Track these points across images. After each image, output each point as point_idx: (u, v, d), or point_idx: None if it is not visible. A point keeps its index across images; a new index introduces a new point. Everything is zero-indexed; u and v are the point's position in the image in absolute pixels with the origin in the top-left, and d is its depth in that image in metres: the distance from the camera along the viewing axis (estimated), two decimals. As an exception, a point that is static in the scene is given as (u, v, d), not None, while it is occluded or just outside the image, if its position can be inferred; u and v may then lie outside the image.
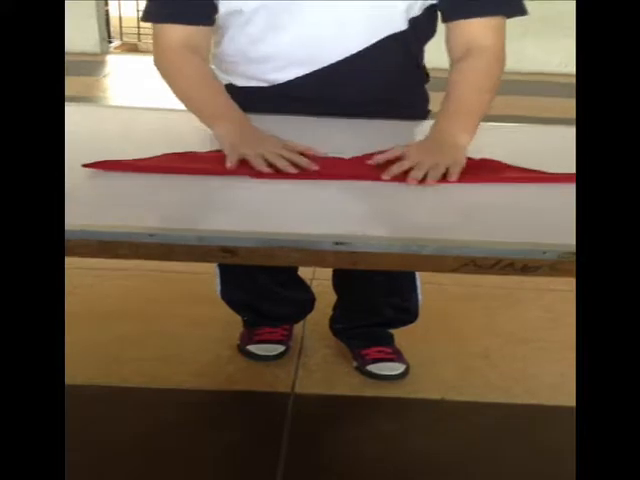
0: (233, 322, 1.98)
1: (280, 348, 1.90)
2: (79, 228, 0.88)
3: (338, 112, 1.39)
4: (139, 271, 2.27)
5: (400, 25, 1.33)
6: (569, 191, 1.10)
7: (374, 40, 1.33)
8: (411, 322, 1.85)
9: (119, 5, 6.38)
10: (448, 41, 1.33)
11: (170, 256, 0.93)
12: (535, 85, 5.38)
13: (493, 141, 1.31)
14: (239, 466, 1.55)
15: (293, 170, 1.10)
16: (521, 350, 1.99)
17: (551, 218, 1.01)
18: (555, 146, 1.35)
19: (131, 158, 1.10)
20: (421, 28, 1.37)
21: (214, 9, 1.33)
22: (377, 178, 1.10)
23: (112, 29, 6.30)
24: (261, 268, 1.61)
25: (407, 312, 1.83)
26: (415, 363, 1.90)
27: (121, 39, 6.49)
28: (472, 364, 1.92)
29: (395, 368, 1.85)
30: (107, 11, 6.18)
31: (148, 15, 1.35)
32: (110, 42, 6.20)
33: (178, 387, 1.78)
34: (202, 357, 1.90)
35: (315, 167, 1.11)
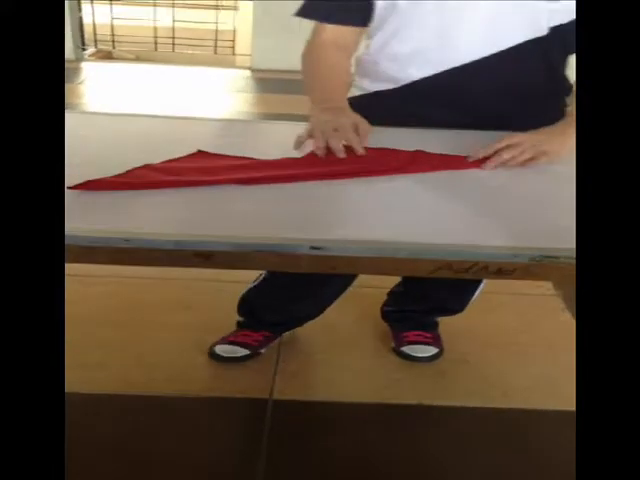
0: (210, 328, 1.98)
1: (241, 352, 1.89)
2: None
3: (463, 114, 1.38)
4: (117, 277, 2.25)
5: (541, 30, 1.30)
6: (546, 194, 1.13)
7: (512, 43, 1.31)
8: (457, 313, 1.91)
9: (92, 12, 6.33)
10: None
11: (146, 261, 0.93)
12: None
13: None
14: (218, 473, 1.54)
15: (343, 155, 1.18)
16: (497, 354, 2.00)
17: (526, 221, 1.02)
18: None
19: (110, 164, 1.09)
20: (565, 37, 1.32)
21: (371, 11, 1.36)
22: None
23: (86, 36, 6.25)
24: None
25: (460, 304, 1.88)
26: (392, 368, 1.90)
27: (95, 46, 6.44)
28: (449, 368, 1.93)
29: (427, 351, 1.94)
30: (80, 18, 6.13)
31: (308, 11, 1.40)
32: (84, 49, 6.16)
33: (156, 394, 1.77)
34: (179, 363, 1.88)
35: (362, 151, 1.19)
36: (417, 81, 1.38)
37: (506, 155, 1.20)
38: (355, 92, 1.50)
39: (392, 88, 1.41)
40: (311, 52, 1.43)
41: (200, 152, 1.20)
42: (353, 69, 1.47)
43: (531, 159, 1.22)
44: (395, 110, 1.40)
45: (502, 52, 1.31)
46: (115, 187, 1.03)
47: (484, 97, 1.37)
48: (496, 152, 1.21)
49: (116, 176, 1.06)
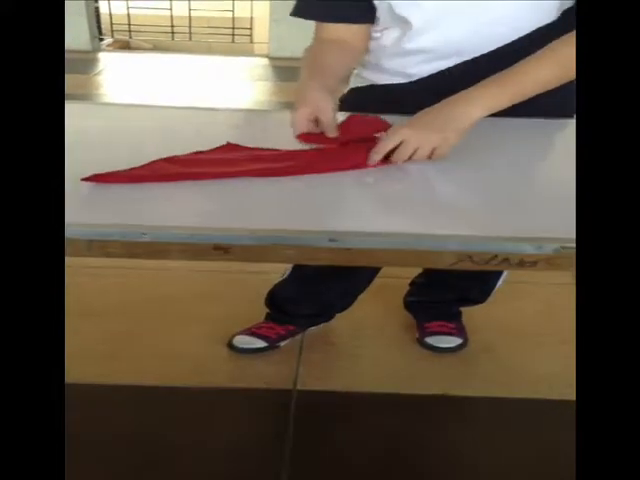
0: (232, 319, 1.98)
1: (259, 344, 1.89)
2: (69, 226, 0.86)
3: None
4: (133, 268, 2.25)
5: (552, 15, 1.26)
6: (566, 183, 1.10)
7: (522, 33, 1.27)
8: (480, 303, 1.90)
9: (109, 2, 6.33)
10: None
11: (163, 255, 0.92)
12: None
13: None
14: (243, 464, 1.54)
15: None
16: (522, 344, 1.98)
17: (547, 211, 0.99)
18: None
19: (126, 155, 1.08)
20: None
21: (371, 9, 1.34)
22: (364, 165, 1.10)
23: (103, 26, 6.26)
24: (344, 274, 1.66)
25: (482, 295, 1.87)
26: (416, 358, 1.89)
27: (112, 36, 6.45)
28: (473, 358, 1.92)
29: (451, 341, 1.93)
30: (97, 8, 6.13)
31: (302, 11, 1.38)
32: (101, 40, 6.17)
33: (179, 385, 1.77)
34: (202, 354, 1.89)
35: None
36: (430, 76, 1.35)
37: (395, 158, 1.10)
38: (359, 83, 1.47)
39: (404, 82, 1.39)
40: (309, 49, 1.39)
41: (229, 144, 1.18)
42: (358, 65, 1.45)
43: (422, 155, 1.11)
44: (407, 104, 1.38)
45: (515, 42, 1.28)
46: (130, 180, 1.02)
47: None
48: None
49: (133, 169, 1.05)
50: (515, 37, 1.28)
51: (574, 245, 0.87)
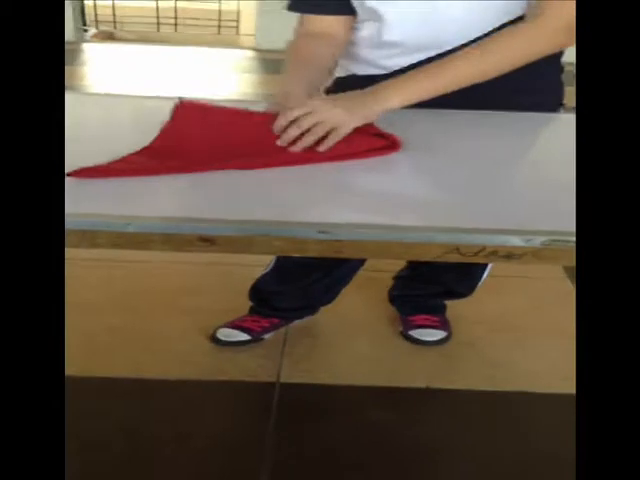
0: (217, 311, 1.97)
1: (242, 336, 1.89)
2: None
3: (451, 96, 1.28)
4: (123, 262, 2.24)
5: (521, 8, 1.27)
6: (554, 177, 1.11)
7: (495, 25, 1.27)
8: (466, 297, 1.90)
9: (94, -7, 6.29)
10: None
11: (147, 245, 0.90)
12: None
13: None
14: (226, 456, 1.54)
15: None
16: (506, 338, 1.99)
17: (535, 204, 0.99)
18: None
19: (110, 145, 1.06)
20: None
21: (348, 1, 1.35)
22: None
23: (87, 17, 6.21)
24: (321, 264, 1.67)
25: (467, 288, 1.87)
26: (400, 352, 1.89)
27: (97, 27, 6.40)
28: (457, 352, 1.92)
29: (435, 334, 1.94)
30: (82, -1, 6.09)
31: (291, 6, 1.40)
32: (86, 30, 6.12)
33: (163, 377, 1.76)
34: (186, 347, 1.88)
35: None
36: (406, 67, 1.34)
37: (291, 133, 1.06)
38: (342, 73, 1.48)
39: (384, 73, 1.38)
40: (293, 43, 1.40)
41: (182, 103, 1.18)
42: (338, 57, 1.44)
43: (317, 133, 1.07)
44: None
45: (485, 35, 1.26)
46: (111, 174, 1.00)
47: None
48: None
49: (113, 162, 1.03)
50: (486, 30, 1.27)
51: (563, 238, 0.87)
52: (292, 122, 1.07)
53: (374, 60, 1.40)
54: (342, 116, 1.08)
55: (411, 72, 1.17)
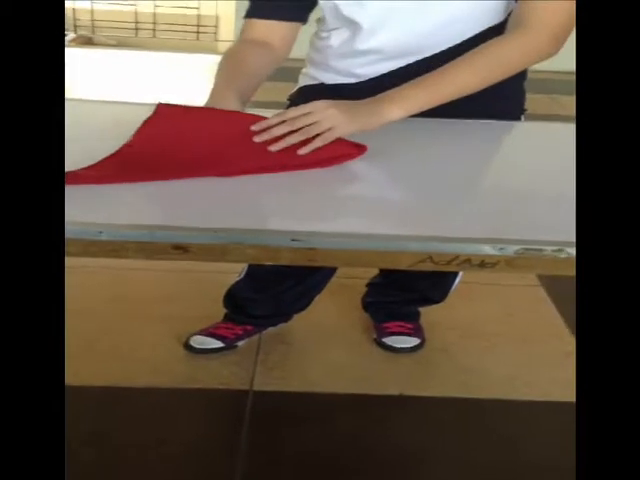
0: (191, 319, 1.96)
1: (215, 344, 1.88)
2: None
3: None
4: (91, 267, 2.22)
5: (500, 16, 1.27)
6: (525, 184, 1.12)
7: (474, 32, 1.28)
8: (438, 303, 1.90)
9: (72, -3, 6.24)
10: (509, 20, 1.25)
11: (121, 254, 0.90)
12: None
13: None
14: (199, 463, 1.53)
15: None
16: (479, 345, 2.00)
17: (508, 213, 1.00)
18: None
19: (86, 152, 1.05)
20: None
21: (307, 7, 1.34)
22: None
23: (66, 22, 6.16)
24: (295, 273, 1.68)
25: (440, 294, 1.87)
26: (374, 359, 1.90)
27: (75, 32, 6.36)
28: (430, 359, 1.93)
29: (409, 342, 1.94)
30: (60, 2, 6.04)
31: (248, 13, 1.36)
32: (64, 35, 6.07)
33: (135, 385, 1.75)
34: (157, 355, 1.87)
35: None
36: (381, 76, 1.35)
37: (277, 131, 1.05)
38: (308, 81, 1.47)
39: (354, 82, 1.38)
40: (231, 49, 1.35)
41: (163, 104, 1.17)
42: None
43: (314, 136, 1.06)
44: None
45: (464, 42, 1.28)
46: (82, 181, 0.99)
47: None
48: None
49: (85, 168, 1.02)
50: (465, 37, 1.29)
51: (536, 247, 0.88)
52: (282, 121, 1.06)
53: (346, 69, 1.38)
54: (341, 119, 1.06)
55: (409, 84, 1.15)
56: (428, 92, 1.14)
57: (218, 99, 1.20)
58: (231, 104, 1.18)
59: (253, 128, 1.07)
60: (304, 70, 1.48)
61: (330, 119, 1.06)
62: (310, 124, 1.05)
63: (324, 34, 1.40)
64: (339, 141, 1.09)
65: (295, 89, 1.50)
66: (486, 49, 1.19)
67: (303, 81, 1.48)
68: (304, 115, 1.06)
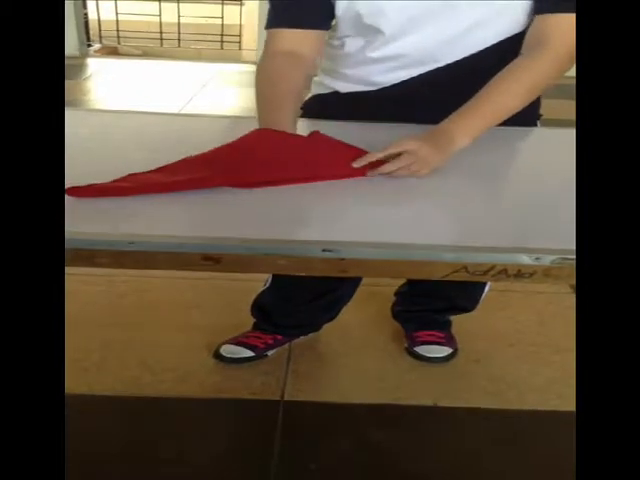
0: (218, 329, 1.95)
1: (246, 353, 1.87)
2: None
3: (445, 113, 1.25)
4: (118, 276, 2.22)
5: (519, 26, 1.27)
6: (556, 194, 1.09)
7: (494, 41, 1.28)
8: (469, 311, 1.88)
9: (97, 8, 6.30)
10: (527, 35, 1.26)
11: (151, 264, 0.89)
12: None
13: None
14: (229, 474, 1.52)
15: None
16: (513, 354, 1.97)
17: (544, 222, 0.98)
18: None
19: (111, 164, 1.05)
20: None
21: (330, 13, 1.31)
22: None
23: (91, 32, 6.23)
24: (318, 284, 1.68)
25: (470, 301, 1.85)
26: (406, 368, 1.87)
27: (100, 42, 6.43)
28: (463, 368, 1.90)
29: (441, 351, 1.91)
30: (86, 14, 6.10)
31: (269, 24, 1.33)
32: (90, 45, 6.13)
33: (165, 395, 1.74)
34: (187, 364, 1.86)
35: None
36: (400, 83, 1.34)
37: (390, 167, 1.09)
38: (322, 90, 1.45)
39: (369, 90, 1.37)
40: (264, 63, 1.32)
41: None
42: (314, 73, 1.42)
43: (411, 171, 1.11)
44: (374, 112, 1.36)
45: (482, 51, 1.28)
46: (110, 194, 0.98)
47: (466, 95, 1.26)
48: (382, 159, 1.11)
49: (114, 181, 1.02)
50: (484, 46, 1.28)
51: (572, 256, 0.86)
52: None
53: (362, 76, 1.36)
54: (433, 158, 1.10)
55: (466, 109, 1.18)
56: (486, 121, 1.19)
57: (271, 125, 1.18)
58: (288, 126, 1.18)
59: (354, 165, 1.10)
60: (316, 78, 1.46)
61: (426, 160, 1.09)
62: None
63: (336, 42, 1.37)
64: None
65: (308, 97, 1.48)
66: (518, 73, 1.21)
67: (316, 89, 1.46)
68: (404, 154, 1.09)
